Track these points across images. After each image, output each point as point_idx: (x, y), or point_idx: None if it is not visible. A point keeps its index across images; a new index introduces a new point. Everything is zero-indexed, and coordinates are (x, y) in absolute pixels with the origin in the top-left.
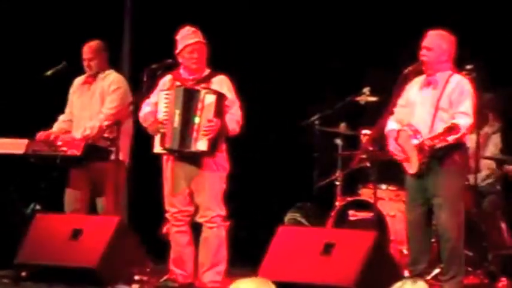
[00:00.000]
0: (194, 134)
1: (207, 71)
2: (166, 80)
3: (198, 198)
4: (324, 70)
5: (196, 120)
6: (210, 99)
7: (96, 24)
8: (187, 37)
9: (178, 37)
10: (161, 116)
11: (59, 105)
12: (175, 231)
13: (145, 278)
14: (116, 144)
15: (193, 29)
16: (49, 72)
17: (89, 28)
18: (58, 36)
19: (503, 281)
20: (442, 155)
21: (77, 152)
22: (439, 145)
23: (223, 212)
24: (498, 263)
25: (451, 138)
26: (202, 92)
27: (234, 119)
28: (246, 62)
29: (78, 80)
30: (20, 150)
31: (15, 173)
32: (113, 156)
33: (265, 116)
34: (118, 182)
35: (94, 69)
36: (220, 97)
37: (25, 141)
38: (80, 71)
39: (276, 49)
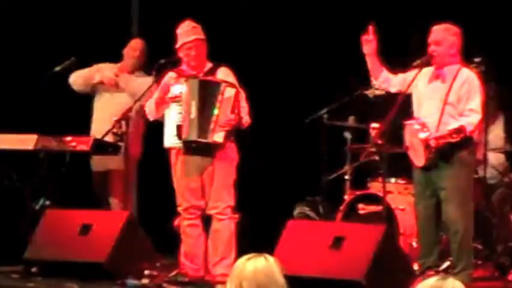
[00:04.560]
0: (212, 125)
1: (208, 65)
2: (171, 77)
3: (209, 189)
4: (332, 63)
5: (216, 112)
6: (230, 92)
7: (104, 20)
8: (186, 34)
9: (178, 32)
10: (176, 111)
11: (68, 100)
12: (187, 225)
13: (155, 273)
14: (125, 139)
15: (192, 24)
16: (58, 68)
17: (96, 24)
18: (67, 32)
19: None
20: (449, 150)
21: (85, 148)
22: (450, 141)
23: (233, 203)
24: (508, 255)
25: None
26: (223, 84)
27: (245, 110)
28: (253, 56)
29: (111, 67)
30: (30, 146)
31: (24, 168)
32: (122, 152)
33: (274, 110)
34: (127, 177)
35: (140, 66)
36: (238, 91)
37: (34, 136)
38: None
39: (283, 42)
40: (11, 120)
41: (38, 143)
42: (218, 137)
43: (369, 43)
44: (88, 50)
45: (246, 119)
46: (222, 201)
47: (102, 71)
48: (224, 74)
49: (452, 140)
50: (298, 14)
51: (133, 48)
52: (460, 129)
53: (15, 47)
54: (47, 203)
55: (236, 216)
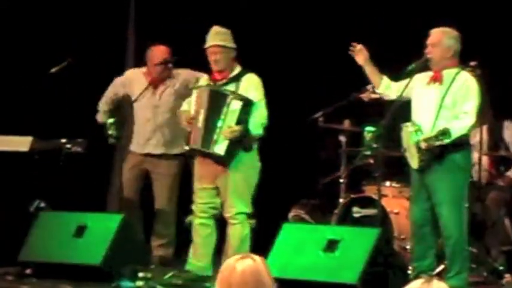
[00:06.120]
0: (215, 137)
1: (236, 70)
2: (203, 78)
3: (222, 195)
4: (327, 67)
5: (219, 123)
6: (235, 105)
7: (101, 22)
8: (209, 39)
9: (207, 36)
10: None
11: (64, 102)
12: (199, 223)
13: (149, 275)
14: (121, 142)
15: (218, 30)
16: (54, 70)
17: (93, 26)
18: (63, 34)
19: (508, 277)
20: (443, 152)
21: (80, 150)
22: (437, 144)
23: (247, 209)
24: (502, 259)
25: (447, 141)
26: (230, 97)
27: (258, 122)
28: (249, 59)
29: (137, 74)
30: (25, 148)
31: (19, 170)
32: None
33: (269, 113)
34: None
35: (168, 71)
36: (247, 103)
37: (30, 138)
38: (84, 69)
39: (280, 45)
40: (7, 122)
41: (33, 144)
42: (219, 148)
43: (359, 53)
44: (84, 52)
45: (257, 132)
46: (233, 207)
47: (131, 84)
48: (248, 81)
49: (441, 143)
50: (293, 14)
51: (171, 58)
52: (444, 131)
53: (11, 49)
54: (42, 204)
55: (251, 222)
